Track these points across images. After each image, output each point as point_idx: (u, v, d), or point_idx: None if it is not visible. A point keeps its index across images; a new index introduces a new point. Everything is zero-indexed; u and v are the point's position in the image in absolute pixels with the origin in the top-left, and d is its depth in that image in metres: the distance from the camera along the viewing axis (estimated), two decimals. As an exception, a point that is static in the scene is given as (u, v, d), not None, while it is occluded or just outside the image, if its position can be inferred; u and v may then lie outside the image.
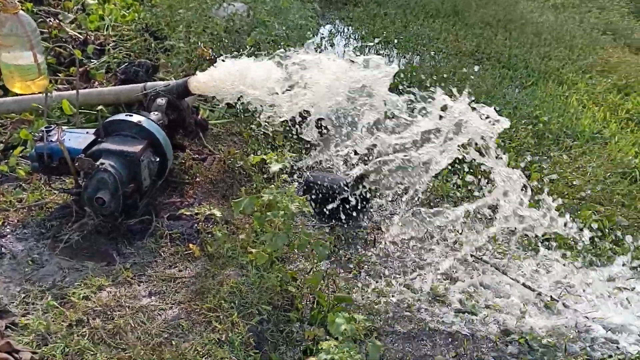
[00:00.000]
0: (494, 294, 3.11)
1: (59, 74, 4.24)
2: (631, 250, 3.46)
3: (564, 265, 3.28)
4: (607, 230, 3.66)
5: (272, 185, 2.76)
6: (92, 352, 2.15)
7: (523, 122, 5.02)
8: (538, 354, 2.70)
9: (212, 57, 4.22)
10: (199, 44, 4.32)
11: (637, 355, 2.73)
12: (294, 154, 3.09)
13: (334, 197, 3.38)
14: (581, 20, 8.50)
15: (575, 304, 3.05)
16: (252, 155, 3.30)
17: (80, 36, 4.65)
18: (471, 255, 3.35)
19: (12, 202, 2.93)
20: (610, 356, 2.72)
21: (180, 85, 3.27)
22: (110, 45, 4.61)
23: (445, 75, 5.55)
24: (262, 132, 3.59)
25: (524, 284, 3.14)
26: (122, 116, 3.00)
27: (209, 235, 2.83)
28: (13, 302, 2.35)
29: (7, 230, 2.77)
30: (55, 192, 3.01)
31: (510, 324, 2.89)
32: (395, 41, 6.73)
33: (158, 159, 2.96)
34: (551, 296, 3.07)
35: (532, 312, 3.00)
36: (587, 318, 2.94)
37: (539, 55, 6.87)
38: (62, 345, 2.15)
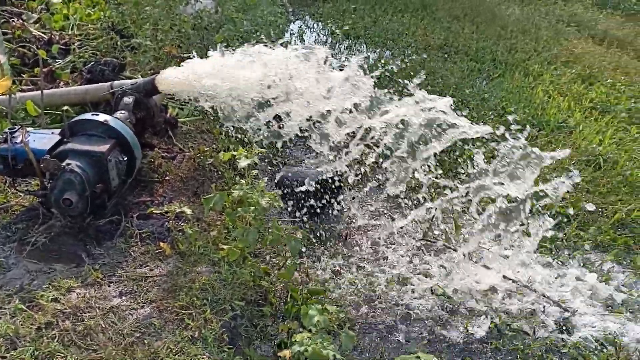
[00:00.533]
0: (463, 280, 3.16)
1: (23, 75, 4.16)
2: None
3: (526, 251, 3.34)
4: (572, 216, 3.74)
5: (243, 181, 2.76)
6: (62, 355, 2.12)
7: (490, 113, 5.10)
8: (507, 338, 2.76)
9: (180, 55, 4.19)
10: (166, 42, 4.28)
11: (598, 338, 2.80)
12: (264, 149, 3.07)
13: (306, 192, 3.40)
14: (547, 12, 8.68)
15: (539, 288, 3.11)
16: (222, 152, 3.29)
17: (45, 36, 4.57)
18: (444, 245, 3.39)
19: (-24, 206, 2.88)
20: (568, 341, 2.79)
21: (148, 83, 3.24)
22: (76, 44, 4.54)
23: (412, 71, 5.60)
24: (232, 129, 3.58)
25: (488, 267, 3.20)
26: (87, 115, 2.95)
27: (180, 233, 2.82)
28: (-21, 307, 2.30)
29: (-28, 234, 2.71)
30: (20, 194, 2.96)
31: (479, 308, 2.94)
32: (364, 36, 6.77)
33: (126, 158, 2.92)
34: (514, 279, 3.13)
35: (499, 296, 3.05)
36: (550, 300, 3.00)
37: (506, 48, 6.99)
38: (32, 349, 2.12)
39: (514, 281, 3.13)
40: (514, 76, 6.18)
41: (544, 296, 3.04)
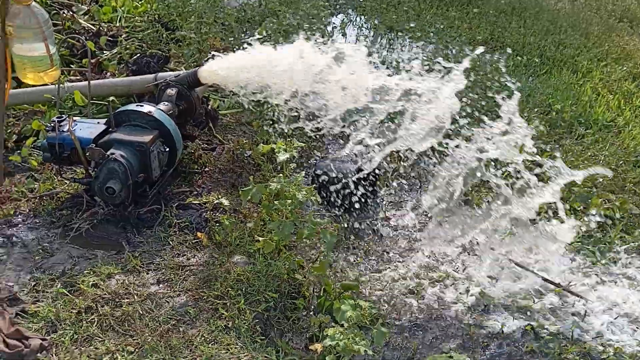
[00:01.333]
0: (502, 281, 3.10)
1: (72, 65, 4.30)
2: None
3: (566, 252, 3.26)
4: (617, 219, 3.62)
5: (280, 174, 2.78)
6: (100, 339, 2.19)
7: (535, 110, 4.97)
8: (544, 341, 2.69)
9: (224, 47, 4.24)
10: (210, 34, 4.33)
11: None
12: (303, 144, 3.08)
13: (342, 186, 3.39)
14: (598, 7, 8.36)
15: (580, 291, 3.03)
16: (261, 144, 3.32)
17: (93, 28, 4.70)
18: (477, 243, 3.34)
19: (24, 192, 2.99)
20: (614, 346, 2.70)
21: (191, 75, 3.29)
22: (123, 36, 4.64)
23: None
24: (271, 122, 3.61)
25: (530, 270, 3.12)
26: (132, 106, 3.03)
27: (217, 224, 2.86)
28: (23, 290, 2.40)
29: (19, 219, 2.83)
30: (66, 182, 3.07)
31: (516, 310, 2.88)
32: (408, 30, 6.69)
33: (168, 149, 2.99)
34: (558, 283, 3.05)
35: (538, 298, 2.99)
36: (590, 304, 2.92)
37: (554, 43, 6.78)
38: (71, 332, 2.20)
39: (553, 283, 3.05)
40: (561, 72, 5.99)
41: (584, 299, 2.95)
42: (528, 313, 2.88)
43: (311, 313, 2.67)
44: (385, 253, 3.28)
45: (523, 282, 3.10)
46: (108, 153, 2.74)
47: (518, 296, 2.99)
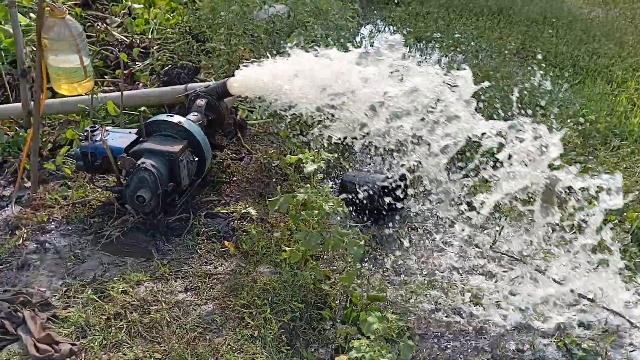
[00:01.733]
0: (531, 295, 3.03)
1: (106, 76, 4.40)
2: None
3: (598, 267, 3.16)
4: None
5: (307, 185, 2.78)
6: (128, 345, 2.22)
7: (569, 120, 4.87)
8: (576, 358, 2.62)
9: (252, 59, 4.29)
10: (239, 45, 4.38)
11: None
12: (330, 155, 3.08)
13: (369, 197, 3.37)
14: (633, 16, 8.20)
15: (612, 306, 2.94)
16: (289, 155, 3.33)
17: (127, 39, 4.80)
18: (510, 256, 3.27)
19: (57, 200, 3.06)
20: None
21: (220, 86, 3.33)
22: (155, 48, 4.74)
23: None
24: (298, 133, 3.62)
25: (560, 282, 3.05)
26: (163, 117, 3.08)
27: (244, 233, 2.87)
28: (55, 296, 2.45)
29: (52, 226, 2.89)
30: (98, 190, 3.12)
31: (548, 326, 2.81)
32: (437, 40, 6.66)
33: (197, 159, 3.02)
34: (590, 298, 2.97)
35: (570, 313, 2.90)
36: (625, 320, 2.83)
37: (587, 53, 6.66)
38: (100, 338, 2.23)
39: (586, 297, 2.96)
40: (595, 82, 5.88)
41: (618, 314, 2.86)
42: (560, 328, 2.80)
43: (337, 324, 2.65)
44: (413, 264, 3.24)
45: (554, 297, 3.03)
46: (139, 162, 2.78)
47: (549, 311, 2.91)
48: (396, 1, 8.09)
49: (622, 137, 4.75)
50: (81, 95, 3.48)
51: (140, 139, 2.98)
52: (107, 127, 3.04)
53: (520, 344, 2.69)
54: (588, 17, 8.00)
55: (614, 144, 4.62)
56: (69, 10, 4.91)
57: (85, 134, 2.97)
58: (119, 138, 2.98)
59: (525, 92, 5.06)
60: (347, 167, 3.76)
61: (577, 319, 2.86)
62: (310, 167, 2.80)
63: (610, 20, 7.96)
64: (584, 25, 7.63)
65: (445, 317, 2.83)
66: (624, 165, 4.30)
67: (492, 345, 2.68)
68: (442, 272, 3.19)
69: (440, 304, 2.91)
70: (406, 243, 3.40)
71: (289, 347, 2.38)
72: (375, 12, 7.84)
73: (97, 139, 2.92)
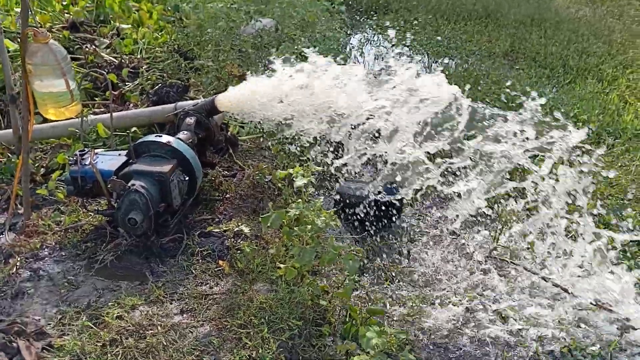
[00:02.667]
0: (532, 301, 3.00)
1: (96, 98, 4.38)
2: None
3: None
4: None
5: (299, 200, 2.76)
6: (124, 372, 2.18)
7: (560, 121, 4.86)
8: (580, 364, 2.59)
9: (241, 74, 4.28)
10: (227, 61, 4.38)
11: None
12: (320, 168, 3.06)
13: (365, 209, 3.35)
14: (620, 13, 8.24)
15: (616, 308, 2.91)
16: (279, 170, 3.31)
17: (115, 60, 4.79)
18: (509, 262, 3.25)
19: (50, 225, 3.03)
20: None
21: (208, 103, 3.32)
22: (144, 67, 4.73)
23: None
24: (289, 146, 3.60)
25: (566, 290, 3.02)
26: (151, 137, 3.06)
27: (239, 252, 2.85)
28: (50, 324, 2.41)
29: (46, 252, 2.86)
30: (90, 214, 3.10)
31: (551, 333, 2.78)
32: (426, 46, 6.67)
33: (187, 178, 3.00)
34: (596, 302, 2.94)
35: (572, 317, 2.87)
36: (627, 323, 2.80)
37: (577, 52, 6.68)
38: (96, 365, 2.19)
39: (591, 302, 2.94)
40: (586, 82, 5.88)
41: (622, 317, 2.83)
42: (564, 332, 2.77)
43: (337, 340, 2.61)
44: (412, 275, 3.21)
45: (556, 302, 3.01)
46: (129, 184, 2.76)
47: (551, 316, 2.88)
48: (384, 10, 8.12)
49: (615, 135, 4.75)
50: (70, 118, 3.47)
51: (130, 160, 2.96)
52: (96, 150, 3.02)
53: (523, 353, 2.66)
54: (576, 17, 8.04)
55: (608, 143, 4.62)
56: (56, 33, 4.95)
57: (74, 158, 2.94)
58: (109, 161, 2.95)
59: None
60: (341, 178, 3.73)
61: (580, 323, 2.84)
62: (299, 182, 2.78)
63: (597, 18, 8.00)
64: (572, 25, 7.66)
65: (447, 328, 2.80)
66: (619, 164, 4.29)
67: (495, 355, 2.65)
68: (442, 282, 3.16)
69: (441, 315, 2.88)
70: (404, 253, 3.38)
71: (289, 366, 2.34)
72: (364, 20, 7.85)
73: (87, 163, 2.89)
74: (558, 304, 2.97)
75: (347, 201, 3.40)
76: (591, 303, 2.93)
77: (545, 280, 3.09)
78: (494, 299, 3.00)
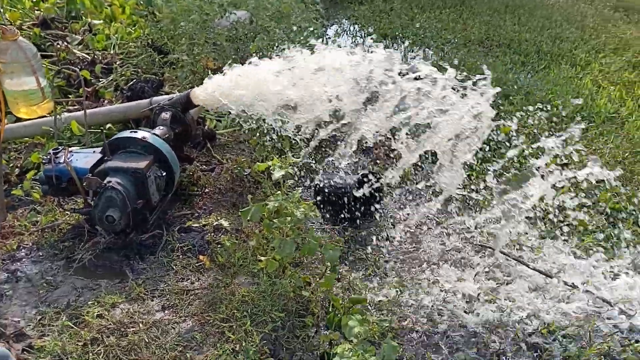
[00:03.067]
0: (509, 283, 3.04)
1: (70, 96, 4.31)
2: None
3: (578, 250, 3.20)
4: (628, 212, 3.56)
5: (279, 192, 2.75)
6: (107, 370, 2.16)
7: (536, 106, 4.92)
8: (561, 344, 2.63)
9: (216, 67, 4.24)
10: (202, 55, 4.34)
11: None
12: (298, 159, 3.05)
13: (344, 198, 3.35)
14: (592, -2, 8.34)
15: (597, 290, 2.96)
16: (257, 163, 3.30)
17: (88, 57, 4.71)
18: (482, 246, 3.29)
19: (26, 226, 2.98)
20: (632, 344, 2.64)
21: (183, 97, 3.29)
22: (118, 63, 4.66)
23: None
24: (268, 139, 3.59)
25: (544, 273, 3.07)
26: (126, 133, 3.02)
27: (219, 246, 2.83)
28: (29, 325, 2.38)
29: (23, 253, 2.82)
30: (67, 212, 3.05)
31: (530, 314, 2.82)
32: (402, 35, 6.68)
33: (165, 173, 2.97)
34: (572, 283, 2.99)
35: (551, 300, 2.92)
36: (608, 303, 2.86)
37: (550, 38, 6.75)
38: (78, 365, 2.17)
39: (567, 284, 2.99)
40: (560, 67, 5.96)
41: (601, 299, 2.89)
42: (543, 316, 2.82)
43: (321, 330, 2.62)
44: (393, 262, 3.23)
45: (534, 286, 3.05)
46: (105, 182, 2.73)
47: (530, 299, 2.93)
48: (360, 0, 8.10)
49: (589, 119, 4.81)
50: (42, 117, 3.41)
51: (105, 157, 2.92)
52: (70, 148, 2.97)
53: (504, 336, 2.70)
54: (549, 3, 8.12)
55: (582, 127, 4.68)
56: (27, 30, 4.85)
57: (48, 157, 2.89)
58: (84, 158, 2.91)
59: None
60: (319, 169, 3.73)
61: (558, 305, 2.88)
62: (277, 174, 2.77)
63: (570, 4, 8.09)
64: (545, 11, 7.75)
65: (428, 314, 2.82)
66: (593, 147, 4.35)
67: (476, 339, 2.68)
68: (422, 268, 3.18)
69: (423, 301, 2.90)
70: (384, 241, 3.39)
71: (273, 358, 2.34)
72: (340, 11, 7.84)
73: (61, 161, 2.85)
74: (538, 287, 3.01)
75: (327, 192, 3.40)
76: (566, 284, 2.98)
77: (527, 266, 3.13)
78: (474, 282, 3.04)
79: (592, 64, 6.00)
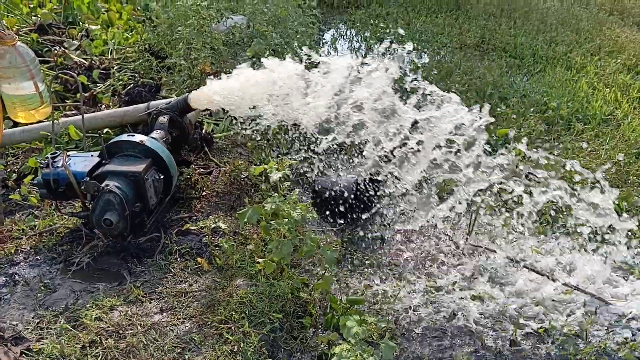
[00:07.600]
0: (507, 283, 3.06)
1: (67, 101, 4.32)
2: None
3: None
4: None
5: (276, 194, 2.76)
6: (105, 372, 2.17)
7: (532, 109, 4.95)
8: (558, 343, 2.64)
9: (214, 71, 4.26)
10: (200, 60, 4.35)
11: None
12: (294, 161, 3.07)
13: (342, 200, 3.37)
14: (587, 2, 8.39)
15: (589, 289, 2.98)
16: (254, 166, 3.31)
17: (85, 62, 4.73)
18: (487, 248, 3.30)
19: (24, 230, 2.99)
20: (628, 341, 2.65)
21: (181, 101, 3.30)
22: (115, 68, 4.68)
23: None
24: (265, 141, 3.60)
25: (539, 272, 3.08)
26: (124, 137, 3.03)
27: (217, 248, 2.84)
28: (27, 328, 2.38)
29: (21, 257, 2.82)
30: (65, 216, 3.06)
31: (527, 313, 2.83)
32: (397, 40, 6.70)
33: (162, 177, 2.98)
34: (566, 283, 3.01)
35: (548, 298, 2.94)
36: (604, 301, 2.87)
37: (546, 42, 6.79)
38: (76, 367, 2.17)
39: (565, 284, 3.00)
40: (555, 70, 5.99)
41: (596, 297, 2.90)
42: (539, 315, 2.83)
43: (319, 330, 2.63)
44: (390, 263, 3.25)
45: (531, 285, 3.06)
46: (102, 185, 2.73)
47: (527, 298, 2.94)
48: (356, 4, 8.14)
49: (585, 121, 4.85)
50: (40, 121, 3.42)
51: (103, 161, 2.93)
52: (68, 153, 2.98)
53: (501, 335, 2.71)
54: (544, 7, 8.16)
55: (578, 129, 4.71)
56: (24, 36, 4.86)
57: (46, 161, 2.90)
58: (81, 162, 2.92)
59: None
60: (318, 170, 3.75)
61: (555, 304, 2.90)
62: (275, 176, 2.78)
63: (565, 7, 8.13)
64: (540, 15, 7.78)
65: (426, 314, 2.84)
66: (589, 149, 4.38)
67: (474, 338, 2.70)
68: (419, 268, 3.20)
69: (420, 301, 2.92)
70: (381, 242, 3.41)
71: (271, 359, 2.35)
72: (336, 15, 7.87)
73: (59, 165, 2.86)
74: (535, 286, 3.03)
75: (325, 194, 3.42)
76: (565, 284, 3.00)
77: (526, 267, 3.15)
78: (469, 281, 3.05)
79: (587, 67, 6.04)
